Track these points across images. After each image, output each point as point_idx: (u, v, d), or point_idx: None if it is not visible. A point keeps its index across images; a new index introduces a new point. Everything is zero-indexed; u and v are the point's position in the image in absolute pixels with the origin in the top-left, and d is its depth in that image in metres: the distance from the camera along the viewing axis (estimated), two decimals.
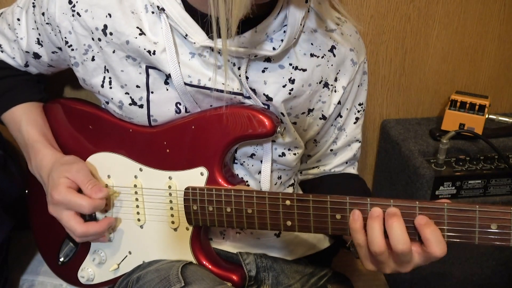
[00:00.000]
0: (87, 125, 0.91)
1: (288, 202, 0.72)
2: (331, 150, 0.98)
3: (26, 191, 1.03)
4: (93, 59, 0.82)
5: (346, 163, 1.01)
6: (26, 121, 0.91)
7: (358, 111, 0.94)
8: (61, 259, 0.98)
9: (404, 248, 0.65)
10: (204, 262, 0.85)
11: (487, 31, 1.31)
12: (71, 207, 0.81)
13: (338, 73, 0.87)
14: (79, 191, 0.83)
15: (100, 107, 0.91)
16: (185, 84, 0.78)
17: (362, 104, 0.95)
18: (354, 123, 0.95)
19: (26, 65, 0.93)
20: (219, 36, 0.75)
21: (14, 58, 0.92)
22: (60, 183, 0.81)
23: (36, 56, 0.89)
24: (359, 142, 0.99)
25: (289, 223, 0.73)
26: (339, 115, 0.93)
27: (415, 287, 1.28)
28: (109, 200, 0.88)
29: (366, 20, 1.24)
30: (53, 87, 1.08)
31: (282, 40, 0.77)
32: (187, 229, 0.84)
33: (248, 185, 0.89)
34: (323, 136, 0.95)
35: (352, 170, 1.02)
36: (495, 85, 1.40)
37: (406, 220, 0.66)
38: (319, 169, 1.01)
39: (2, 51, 0.93)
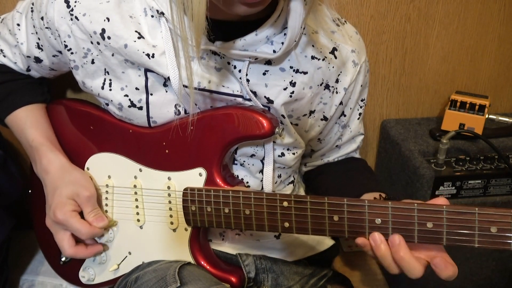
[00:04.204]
0: (88, 126, 0.91)
1: (285, 204, 0.72)
2: (337, 145, 0.98)
3: (29, 191, 1.03)
4: (92, 62, 0.82)
5: (349, 153, 1.02)
6: (30, 123, 0.91)
7: (361, 107, 0.95)
8: (63, 259, 0.98)
9: (419, 275, 0.66)
10: (203, 263, 0.85)
11: (487, 31, 1.31)
12: (70, 230, 0.84)
13: (339, 74, 0.86)
14: (81, 213, 0.85)
15: (101, 108, 0.92)
16: (185, 86, 0.78)
17: (364, 99, 0.95)
18: (358, 118, 0.96)
19: (28, 70, 0.94)
20: (218, 38, 0.75)
21: (16, 63, 0.93)
22: (66, 204, 0.83)
23: (38, 60, 0.89)
24: (362, 134, 1.00)
25: (286, 224, 0.73)
26: (343, 114, 0.93)
27: (415, 287, 1.28)
28: (107, 228, 0.90)
29: (366, 20, 1.24)
30: (55, 88, 1.08)
31: (282, 43, 0.77)
32: (186, 230, 0.84)
33: (248, 186, 0.89)
34: (327, 134, 0.95)
35: (354, 154, 1.03)
36: (495, 85, 1.40)
37: (404, 222, 0.66)
38: (322, 160, 1.02)
39: (4, 56, 0.93)
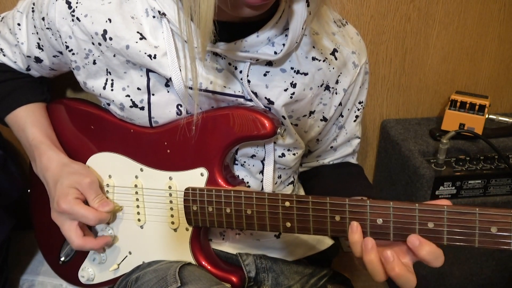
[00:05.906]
0: (89, 125, 0.91)
1: (287, 204, 0.72)
2: (331, 147, 0.98)
3: (29, 191, 1.03)
4: (94, 63, 0.82)
5: (345, 157, 1.02)
6: (30, 122, 0.91)
7: (358, 109, 0.95)
8: (62, 259, 0.98)
9: (413, 286, 0.66)
10: (203, 263, 0.85)
11: (487, 31, 1.31)
12: (77, 218, 0.83)
13: (339, 75, 0.87)
14: (85, 202, 0.84)
15: (102, 108, 0.91)
16: (187, 87, 0.78)
17: (362, 102, 0.95)
18: (354, 121, 0.96)
19: (28, 69, 0.93)
20: (220, 40, 0.75)
21: (15, 62, 0.92)
22: (69, 193, 0.82)
23: (38, 60, 0.89)
24: (359, 138, 1.00)
25: (288, 224, 0.73)
26: (341, 115, 0.93)
27: (415, 286, 1.28)
28: (112, 215, 0.89)
29: (366, 20, 1.24)
30: (55, 88, 1.08)
31: (283, 45, 0.77)
32: (187, 229, 0.85)
33: (248, 186, 0.89)
34: (325, 135, 0.96)
35: (352, 160, 1.03)
36: (495, 85, 1.40)
37: (406, 222, 0.66)
38: (318, 162, 1.02)
39: (4, 55, 0.93)
